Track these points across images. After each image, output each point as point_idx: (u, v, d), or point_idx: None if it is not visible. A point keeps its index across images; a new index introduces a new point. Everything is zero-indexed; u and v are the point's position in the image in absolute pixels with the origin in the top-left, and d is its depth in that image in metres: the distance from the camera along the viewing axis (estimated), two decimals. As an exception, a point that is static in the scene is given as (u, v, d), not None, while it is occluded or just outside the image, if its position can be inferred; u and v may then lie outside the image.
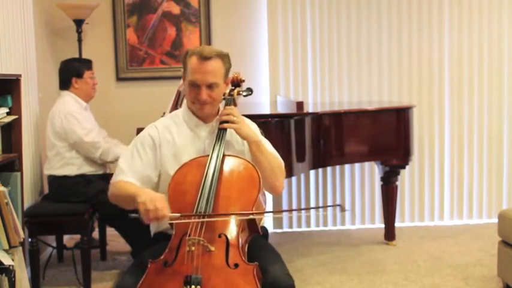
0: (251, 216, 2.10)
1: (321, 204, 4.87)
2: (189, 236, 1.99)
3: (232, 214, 2.09)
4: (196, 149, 2.31)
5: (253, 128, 2.36)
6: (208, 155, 2.21)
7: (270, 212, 2.34)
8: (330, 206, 1.81)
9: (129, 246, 3.78)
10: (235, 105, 2.39)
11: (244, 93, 2.48)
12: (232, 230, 2.06)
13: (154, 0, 4.76)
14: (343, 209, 2.07)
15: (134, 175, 2.24)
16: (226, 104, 2.37)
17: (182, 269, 1.96)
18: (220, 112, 2.33)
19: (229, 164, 2.21)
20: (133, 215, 2.02)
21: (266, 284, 1.97)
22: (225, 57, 2.29)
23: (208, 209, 2.06)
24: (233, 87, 2.46)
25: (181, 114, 2.39)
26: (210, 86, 2.23)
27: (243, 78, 2.50)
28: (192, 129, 2.34)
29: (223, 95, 2.41)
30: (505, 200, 4.95)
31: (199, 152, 2.30)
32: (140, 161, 2.27)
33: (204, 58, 2.22)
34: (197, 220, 2.03)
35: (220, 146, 2.22)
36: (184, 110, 2.38)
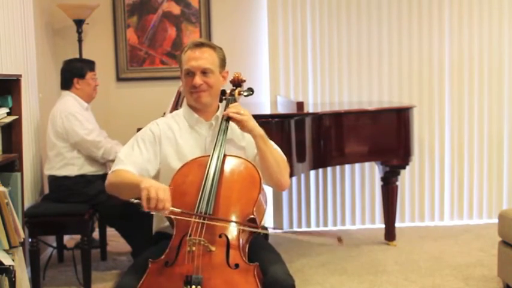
0: (248, 229, 2.08)
1: (321, 204, 4.87)
2: (190, 236, 1.99)
3: (232, 222, 2.07)
4: (197, 147, 2.32)
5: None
6: (209, 155, 2.21)
7: (267, 229, 2.30)
8: (328, 234, 1.82)
9: (129, 246, 3.78)
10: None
11: (245, 93, 2.48)
12: (232, 230, 2.06)
13: (155, 0, 4.76)
14: (340, 240, 2.06)
15: (132, 165, 2.23)
16: (227, 104, 2.37)
17: (183, 269, 1.96)
18: (223, 109, 2.34)
19: (230, 164, 2.21)
20: (135, 200, 2.00)
21: (267, 284, 1.97)
22: (217, 48, 2.34)
23: (209, 209, 2.06)
24: (234, 87, 2.47)
25: (181, 113, 2.41)
26: (205, 72, 2.27)
27: (244, 79, 2.51)
28: (192, 126, 2.36)
29: (224, 95, 2.41)
30: (505, 200, 4.95)
31: (200, 149, 2.31)
32: (140, 154, 2.28)
33: (196, 46, 2.30)
34: (197, 220, 2.03)
35: (221, 145, 2.22)
36: (185, 108, 2.40)
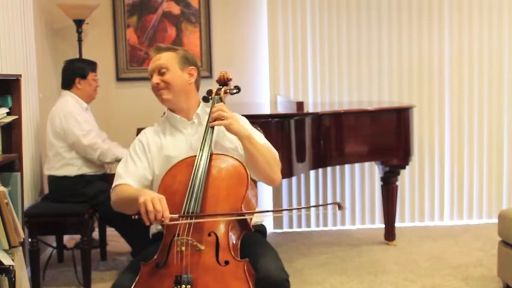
0: (245, 217, 2.10)
1: (321, 202, 4.83)
2: (178, 236, 2.00)
3: (225, 214, 2.09)
4: (183, 147, 2.34)
5: (243, 123, 2.37)
6: (196, 155, 2.22)
7: (269, 211, 2.36)
8: (328, 204, 1.83)
9: (129, 246, 3.78)
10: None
11: (235, 91, 2.46)
12: (221, 228, 2.06)
13: (155, 0, 4.76)
14: (340, 207, 2.06)
15: (131, 177, 2.29)
16: (213, 103, 2.37)
17: (173, 269, 1.96)
18: (203, 110, 2.37)
19: (217, 162, 2.22)
20: (136, 216, 2.03)
21: (259, 279, 1.97)
22: (178, 50, 2.39)
23: (196, 208, 2.07)
24: (220, 87, 2.46)
25: (165, 117, 2.45)
26: (160, 71, 2.33)
27: (230, 77, 2.51)
28: (176, 127, 2.39)
29: (210, 94, 2.41)
30: (505, 200, 4.95)
31: (186, 148, 2.33)
32: (134, 164, 2.33)
33: (154, 52, 2.38)
34: (191, 221, 2.03)
35: (207, 145, 2.23)
36: (167, 112, 2.44)
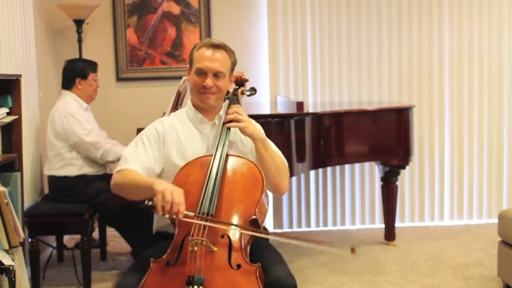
0: (258, 235, 2.08)
1: (321, 204, 4.87)
2: (192, 236, 1.99)
3: (239, 227, 2.06)
4: (200, 146, 2.31)
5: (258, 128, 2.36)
6: (211, 155, 2.20)
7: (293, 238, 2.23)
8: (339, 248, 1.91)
9: (129, 246, 3.78)
10: (239, 104, 2.39)
11: (248, 93, 2.47)
12: (234, 231, 2.05)
13: (155, 0, 4.76)
14: (353, 251, 2.08)
15: (138, 164, 2.22)
16: (230, 103, 2.36)
17: (185, 269, 1.95)
18: (225, 111, 2.34)
19: (233, 164, 2.20)
20: (149, 202, 1.99)
21: (269, 284, 1.97)
22: (231, 52, 2.34)
23: (212, 209, 2.05)
24: (237, 87, 2.46)
25: (185, 112, 2.40)
26: (217, 75, 2.27)
27: (247, 78, 2.51)
28: (195, 126, 2.35)
29: (227, 94, 2.41)
30: (505, 200, 4.95)
31: (203, 148, 2.30)
32: (144, 151, 2.27)
33: (213, 46, 2.29)
34: (201, 222, 2.02)
35: (223, 145, 2.21)
36: (189, 108, 2.39)
